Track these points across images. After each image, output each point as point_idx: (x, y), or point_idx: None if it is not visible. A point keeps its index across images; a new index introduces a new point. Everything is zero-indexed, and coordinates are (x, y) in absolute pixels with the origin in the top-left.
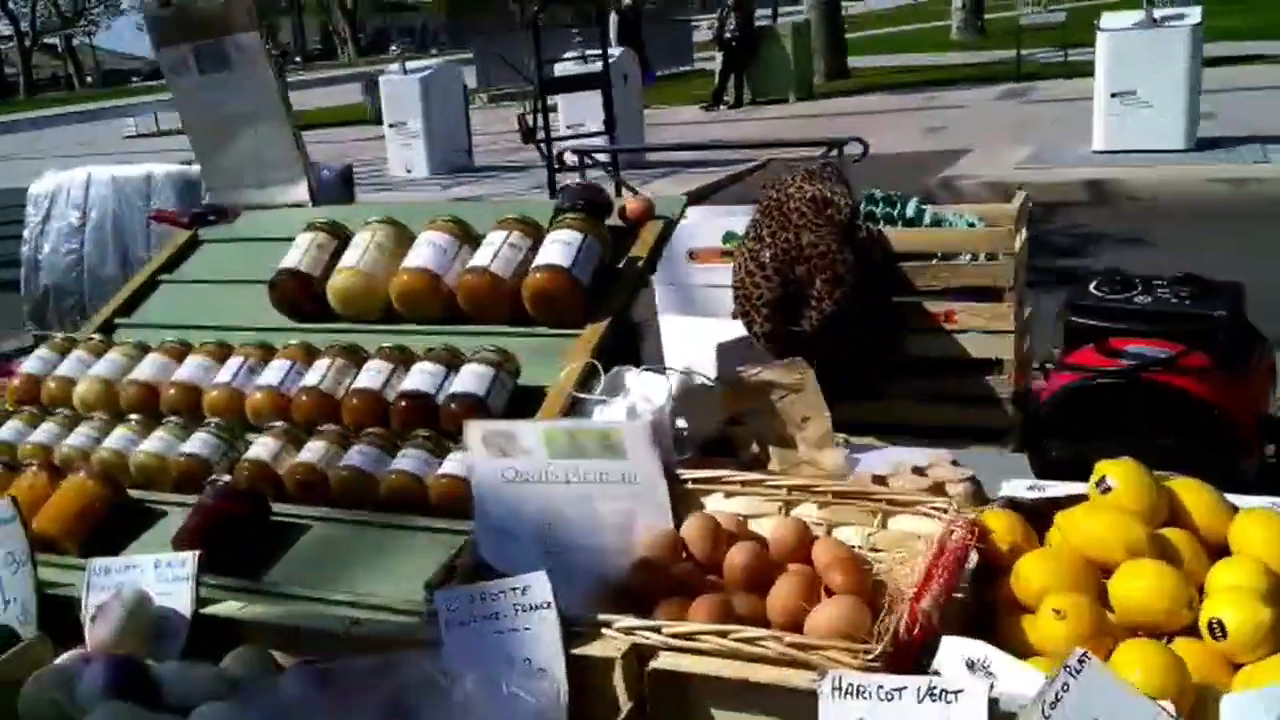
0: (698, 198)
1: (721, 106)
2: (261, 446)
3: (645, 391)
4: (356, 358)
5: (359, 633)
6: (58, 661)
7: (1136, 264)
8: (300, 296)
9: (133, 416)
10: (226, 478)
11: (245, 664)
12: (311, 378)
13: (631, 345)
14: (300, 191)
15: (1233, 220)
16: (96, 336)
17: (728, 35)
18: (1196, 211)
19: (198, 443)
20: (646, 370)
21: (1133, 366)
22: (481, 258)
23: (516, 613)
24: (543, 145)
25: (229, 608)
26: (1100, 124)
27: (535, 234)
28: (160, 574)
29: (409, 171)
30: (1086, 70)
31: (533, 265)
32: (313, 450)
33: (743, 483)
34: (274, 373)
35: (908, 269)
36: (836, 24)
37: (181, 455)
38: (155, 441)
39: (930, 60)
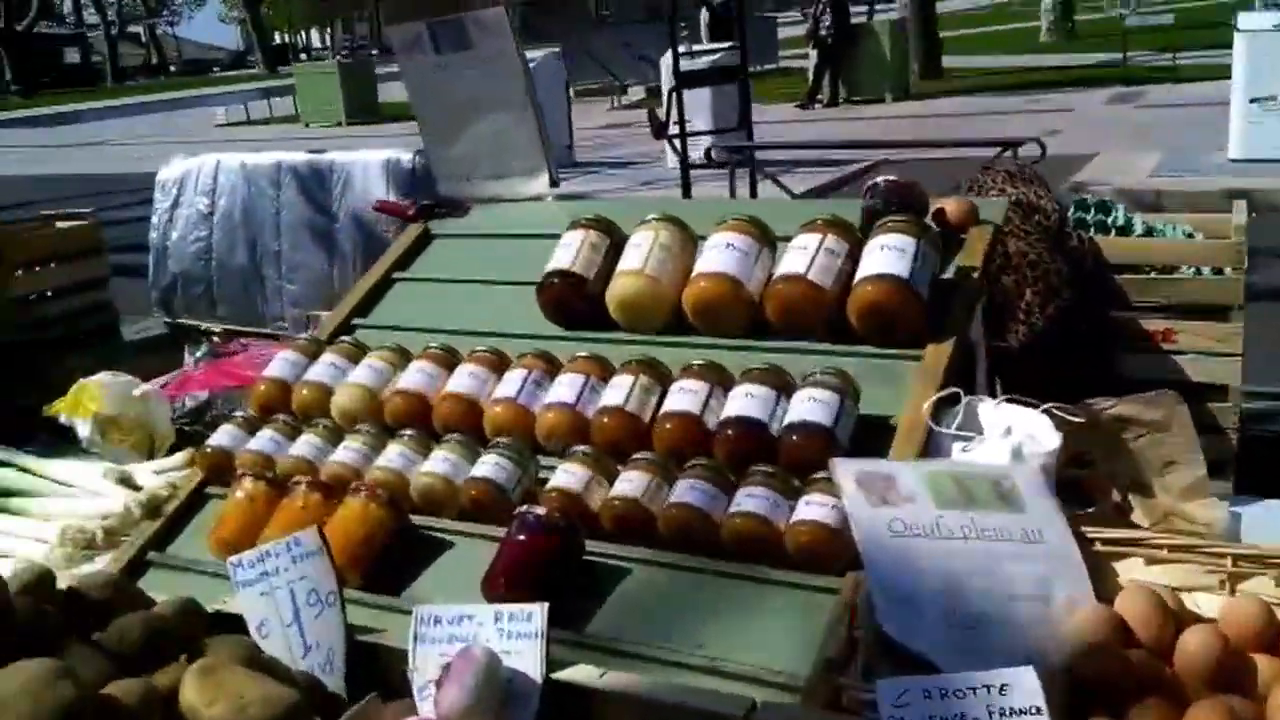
0: (814, 196)
1: (816, 105)
2: (567, 474)
3: (1027, 429)
4: (659, 374)
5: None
6: None
7: None
8: (574, 300)
9: (406, 432)
10: (539, 510)
11: None
12: (612, 396)
13: (969, 370)
14: (541, 183)
15: None
16: (347, 340)
17: (823, 33)
18: None
19: (490, 466)
20: (1007, 402)
21: None
22: (794, 263)
23: (992, 716)
24: (675, 141)
25: (583, 674)
26: (1237, 130)
27: (851, 238)
28: (501, 629)
29: None
30: (1198, 75)
31: (861, 274)
32: (632, 482)
33: (1170, 547)
34: (566, 388)
35: (1122, 282)
36: (932, 23)
37: (473, 479)
38: (440, 462)
39: (1024, 61)
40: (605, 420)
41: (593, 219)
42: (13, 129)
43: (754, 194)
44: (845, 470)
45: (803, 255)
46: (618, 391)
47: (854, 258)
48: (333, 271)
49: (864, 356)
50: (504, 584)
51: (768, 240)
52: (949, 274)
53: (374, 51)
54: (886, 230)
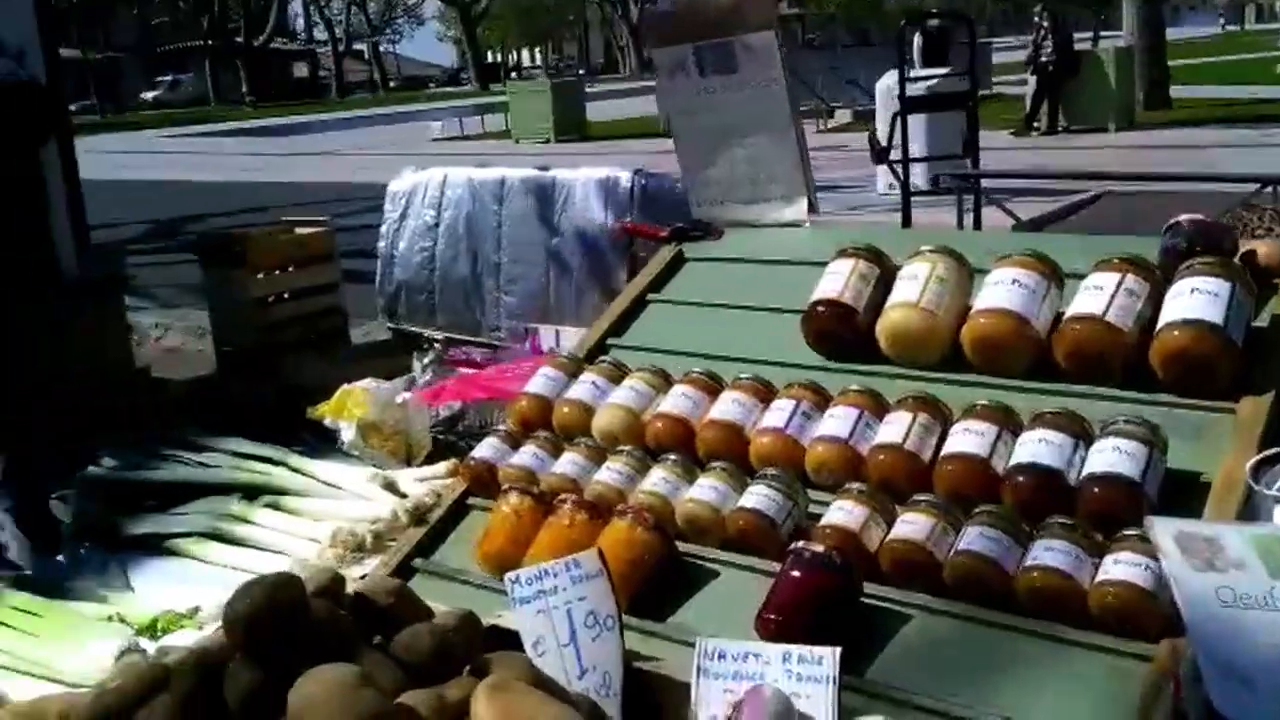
0: (1034, 226)
1: (1033, 133)
2: (843, 512)
3: None
4: (939, 412)
5: None
6: None
7: None
8: (841, 331)
9: (670, 456)
10: (817, 547)
11: None
12: (890, 433)
13: None
14: (797, 210)
15: None
16: (607, 360)
17: (1044, 59)
18: None
19: (759, 497)
20: None
21: None
22: (1088, 304)
23: None
24: (897, 167)
25: None
26: None
27: (1152, 279)
28: (790, 670)
29: None
30: None
31: (1167, 317)
32: (915, 524)
33: None
34: (839, 422)
35: None
36: (1161, 50)
37: (741, 509)
38: (706, 490)
39: (1260, 93)
40: (881, 458)
41: (862, 248)
42: (245, 138)
43: (978, 223)
44: (1164, 529)
45: (1099, 295)
46: (895, 428)
47: (1154, 300)
48: (549, 285)
49: (1167, 406)
50: (780, 622)
51: (1057, 277)
52: (1262, 321)
53: (581, 71)
54: (1196, 272)
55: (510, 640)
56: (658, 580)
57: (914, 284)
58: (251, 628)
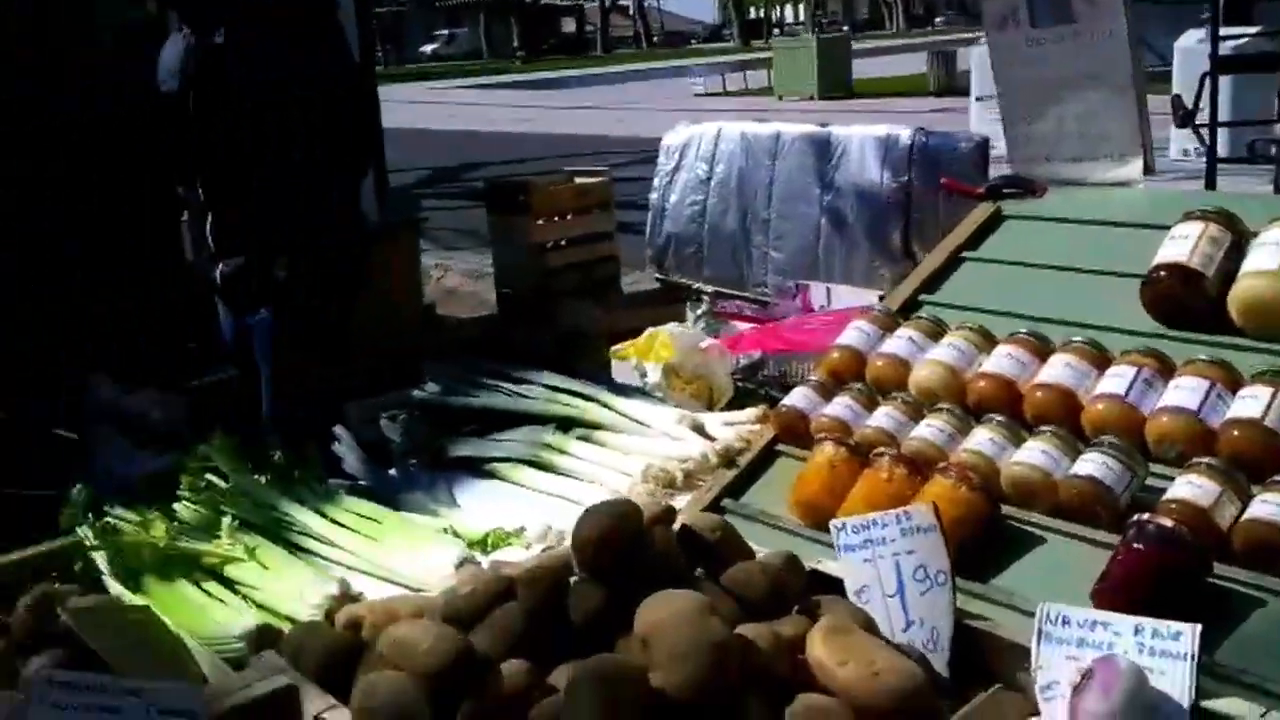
0: None
1: None
2: (1193, 487)
3: None
4: None
5: None
6: None
7: None
8: (1187, 298)
9: (995, 417)
10: (1164, 521)
11: None
12: (1246, 408)
13: None
14: (1130, 170)
15: None
16: (925, 316)
17: None
18: None
19: (1096, 465)
20: None
21: None
22: None
23: None
24: (1203, 131)
25: (1239, 709)
26: None
27: None
28: (1142, 643)
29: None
30: None
31: None
32: (1276, 506)
33: None
34: (1186, 394)
35: None
36: None
37: (1076, 477)
38: (1036, 453)
39: None
40: (1236, 433)
41: (1213, 210)
42: (515, 90)
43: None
44: None
45: None
46: (1253, 404)
47: None
48: (818, 243)
49: None
50: (1121, 596)
51: None
52: None
53: (845, 27)
54: None
55: (824, 587)
56: (980, 541)
57: (1276, 251)
58: (599, 550)
